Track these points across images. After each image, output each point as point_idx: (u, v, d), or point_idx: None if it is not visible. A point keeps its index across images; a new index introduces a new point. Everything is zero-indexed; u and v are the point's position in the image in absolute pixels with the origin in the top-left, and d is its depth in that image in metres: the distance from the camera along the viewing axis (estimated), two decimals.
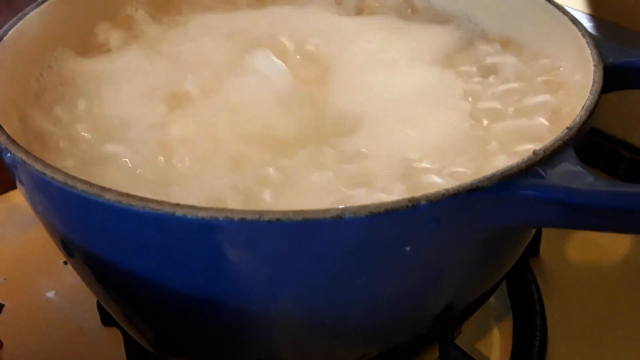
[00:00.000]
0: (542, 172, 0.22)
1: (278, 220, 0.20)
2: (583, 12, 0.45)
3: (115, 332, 0.37)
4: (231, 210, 0.20)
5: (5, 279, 0.42)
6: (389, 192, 0.25)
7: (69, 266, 0.36)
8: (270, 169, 0.26)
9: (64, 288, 0.41)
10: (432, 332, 0.29)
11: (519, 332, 0.37)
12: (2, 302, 0.40)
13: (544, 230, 0.42)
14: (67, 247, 0.26)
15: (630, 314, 0.39)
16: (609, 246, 0.43)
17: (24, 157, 0.22)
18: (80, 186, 0.20)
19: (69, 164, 0.27)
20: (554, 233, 0.43)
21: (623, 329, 0.38)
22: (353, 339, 0.27)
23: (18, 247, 0.44)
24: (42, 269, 0.42)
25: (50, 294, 0.41)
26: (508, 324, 0.38)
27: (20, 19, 0.31)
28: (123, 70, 0.33)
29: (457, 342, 0.31)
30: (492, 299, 0.39)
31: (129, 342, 0.36)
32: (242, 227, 0.20)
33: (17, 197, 0.48)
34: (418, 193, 0.20)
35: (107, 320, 0.37)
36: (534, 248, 0.42)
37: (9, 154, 0.23)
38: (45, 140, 0.28)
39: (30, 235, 0.44)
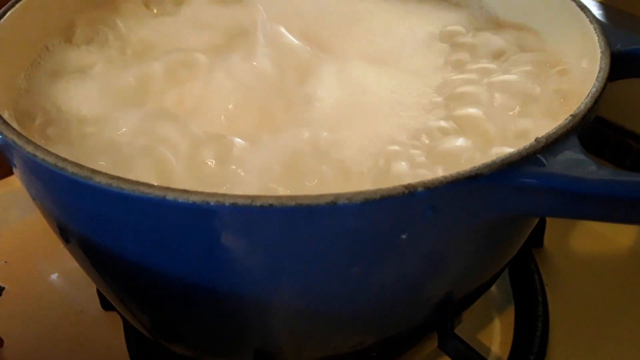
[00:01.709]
0: (543, 160, 0.21)
1: (271, 205, 0.19)
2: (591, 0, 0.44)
3: (115, 316, 0.37)
4: (223, 195, 0.19)
5: (6, 262, 0.42)
6: None
7: None
8: None
9: (65, 272, 0.41)
10: (430, 321, 0.29)
11: (520, 322, 0.37)
12: (3, 285, 0.40)
13: (548, 221, 0.42)
14: (62, 231, 0.26)
15: (634, 306, 0.38)
16: (613, 238, 0.43)
17: (16, 139, 0.22)
18: (70, 168, 0.20)
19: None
20: (558, 224, 0.43)
21: (626, 321, 0.37)
22: (350, 327, 0.27)
23: (19, 231, 0.44)
24: (43, 253, 0.42)
25: (52, 278, 0.41)
26: (509, 314, 0.38)
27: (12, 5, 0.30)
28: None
29: (457, 331, 0.31)
30: (493, 288, 0.38)
31: (128, 327, 0.36)
32: (234, 211, 0.19)
33: (18, 182, 0.48)
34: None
35: (107, 304, 0.38)
36: (537, 239, 0.42)
37: (1, 136, 0.22)
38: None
39: (31, 218, 0.44)
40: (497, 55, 0.33)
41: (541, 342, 0.35)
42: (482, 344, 0.36)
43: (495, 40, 0.34)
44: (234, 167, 0.25)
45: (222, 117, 0.29)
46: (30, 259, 0.42)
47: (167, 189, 0.19)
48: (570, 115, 0.23)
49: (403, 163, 0.25)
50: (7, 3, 0.30)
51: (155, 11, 0.38)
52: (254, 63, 0.31)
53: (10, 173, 0.48)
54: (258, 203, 0.19)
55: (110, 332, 0.37)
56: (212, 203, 0.19)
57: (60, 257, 0.41)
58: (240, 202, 0.19)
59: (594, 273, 0.41)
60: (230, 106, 0.29)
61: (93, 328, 0.38)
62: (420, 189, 0.20)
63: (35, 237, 0.43)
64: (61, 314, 0.38)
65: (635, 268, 0.40)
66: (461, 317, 0.33)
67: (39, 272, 0.41)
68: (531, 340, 0.35)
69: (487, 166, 0.20)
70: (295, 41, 0.32)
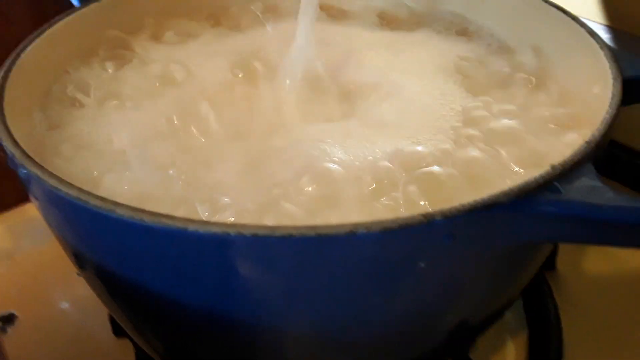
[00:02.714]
0: (560, 188, 0.21)
1: (290, 235, 0.19)
2: (600, 24, 0.44)
3: (126, 343, 0.36)
4: (243, 226, 0.19)
5: (19, 289, 0.42)
6: None
7: (82, 278, 0.36)
8: None
9: (77, 299, 0.41)
10: (446, 346, 0.29)
11: (534, 346, 0.37)
12: (16, 313, 0.40)
13: (561, 244, 0.41)
14: (80, 260, 0.26)
15: None
16: (626, 259, 0.42)
17: (39, 173, 0.22)
18: (93, 201, 0.20)
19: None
20: (571, 246, 0.43)
21: None
22: (365, 354, 0.27)
23: (32, 259, 0.44)
24: (55, 280, 0.42)
25: (64, 305, 0.41)
26: (523, 337, 0.38)
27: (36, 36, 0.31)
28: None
29: (471, 355, 0.31)
30: (507, 312, 0.38)
31: (140, 354, 0.36)
32: (254, 242, 0.19)
33: (32, 209, 0.48)
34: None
35: (119, 331, 0.37)
36: (550, 261, 0.42)
37: (24, 170, 0.23)
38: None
39: (44, 247, 0.44)
40: (507, 85, 0.33)
41: None
42: None
43: (504, 68, 0.34)
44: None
45: None
46: (42, 287, 0.42)
47: (188, 220, 0.20)
48: (585, 142, 0.23)
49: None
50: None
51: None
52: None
53: (23, 201, 0.48)
54: (278, 233, 0.19)
55: (122, 359, 0.37)
56: (232, 234, 0.19)
57: (72, 284, 0.41)
58: (261, 232, 0.19)
59: (608, 295, 0.40)
60: None
61: (105, 355, 0.37)
62: (438, 218, 0.20)
63: (47, 265, 0.43)
64: (73, 341, 0.38)
65: None
66: (476, 342, 0.33)
67: (51, 299, 0.41)
68: None
69: (505, 194, 0.20)
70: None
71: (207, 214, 0.24)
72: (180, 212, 0.23)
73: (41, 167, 0.22)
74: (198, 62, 0.36)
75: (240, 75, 0.35)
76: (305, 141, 0.29)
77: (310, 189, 0.25)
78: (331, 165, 0.26)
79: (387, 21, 0.41)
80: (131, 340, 0.35)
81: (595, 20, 0.44)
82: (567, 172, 0.22)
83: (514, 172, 0.27)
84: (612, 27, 0.44)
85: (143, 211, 0.20)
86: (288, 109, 0.32)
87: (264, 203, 0.25)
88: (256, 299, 0.22)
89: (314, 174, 0.26)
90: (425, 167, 0.26)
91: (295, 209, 0.24)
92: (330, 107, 0.32)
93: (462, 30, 0.39)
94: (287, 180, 0.26)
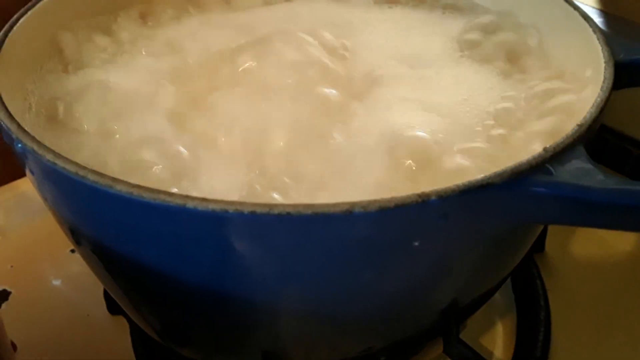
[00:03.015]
0: (552, 169, 0.22)
1: (288, 213, 0.20)
2: (594, 7, 0.44)
3: (121, 321, 0.37)
4: (242, 203, 0.20)
5: (12, 266, 0.42)
6: None
7: (76, 254, 0.36)
8: None
9: (70, 276, 0.41)
10: (437, 326, 0.29)
11: (522, 327, 0.37)
12: (9, 290, 0.40)
13: (550, 226, 0.42)
14: (76, 236, 0.26)
15: (635, 310, 0.39)
16: (614, 243, 0.43)
17: (35, 147, 0.22)
18: (91, 177, 0.20)
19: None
20: (560, 229, 0.43)
21: (627, 325, 0.38)
22: (358, 332, 0.27)
23: (25, 235, 0.44)
24: (49, 257, 0.42)
25: (57, 282, 0.41)
26: (512, 319, 0.38)
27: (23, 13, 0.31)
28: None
29: (461, 336, 0.32)
30: (496, 294, 0.39)
31: (135, 331, 0.36)
32: (252, 220, 0.20)
33: (25, 185, 0.48)
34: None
35: (113, 308, 0.38)
36: (539, 244, 0.42)
37: (20, 144, 0.23)
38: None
39: (37, 223, 0.44)
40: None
41: (543, 347, 0.36)
42: (485, 349, 0.36)
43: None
44: None
45: None
46: (36, 263, 0.42)
47: (187, 197, 0.20)
48: (577, 124, 0.23)
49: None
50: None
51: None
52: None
53: (15, 177, 0.48)
54: (276, 211, 0.20)
55: (116, 336, 0.37)
56: (230, 211, 0.20)
57: (65, 261, 0.42)
58: (259, 210, 0.20)
59: (596, 277, 0.41)
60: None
61: (99, 332, 0.38)
62: (433, 197, 0.20)
63: (40, 242, 0.43)
64: (67, 318, 0.38)
65: (635, 272, 0.41)
66: (465, 322, 0.33)
67: (45, 276, 0.41)
68: (533, 344, 0.36)
69: (498, 175, 0.21)
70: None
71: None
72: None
73: (38, 142, 0.22)
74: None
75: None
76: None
77: None
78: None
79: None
80: (126, 317, 0.35)
81: (589, 4, 0.44)
82: (558, 154, 0.22)
83: None
84: (605, 12, 0.44)
85: (141, 187, 0.20)
86: None
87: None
88: (253, 277, 0.23)
89: None
90: None
91: None
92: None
93: (454, 6, 0.39)
94: None
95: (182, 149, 0.27)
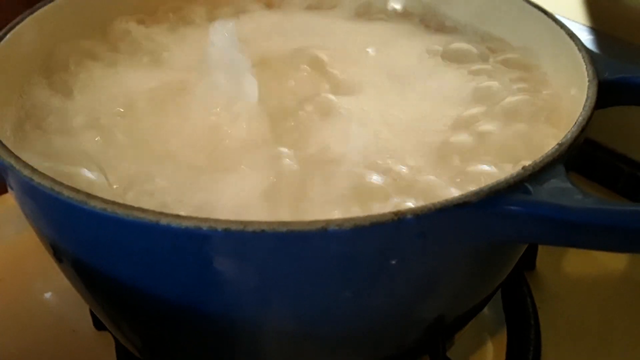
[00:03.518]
0: (530, 188, 0.21)
1: (262, 231, 0.19)
2: (581, 24, 0.44)
3: (107, 337, 0.36)
4: (215, 220, 0.20)
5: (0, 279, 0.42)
6: None
7: None
8: None
9: (58, 290, 0.41)
10: (422, 344, 0.29)
11: (512, 345, 0.37)
12: None
13: (540, 245, 0.42)
14: (56, 252, 0.26)
15: (626, 329, 0.38)
16: (605, 261, 0.43)
17: (13, 162, 0.22)
18: (66, 192, 0.20)
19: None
20: (550, 247, 0.43)
21: (618, 344, 0.37)
22: (341, 350, 0.27)
23: (14, 248, 0.44)
24: (37, 271, 0.42)
25: (45, 296, 0.41)
26: (502, 337, 0.38)
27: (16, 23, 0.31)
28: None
29: (449, 354, 0.31)
30: (485, 311, 0.38)
31: (120, 347, 0.36)
32: (227, 237, 0.20)
33: (13, 199, 0.48)
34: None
35: (99, 324, 0.37)
36: (530, 262, 0.42)
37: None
38: None
39: (26, 236, 0.44)
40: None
41: None
42: None
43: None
44: None
45: None
46: (23, 277, 0.42)
47: (161, 214, 0.20)
48: (557, 144, 0.23)
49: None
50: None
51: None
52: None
53: (3, 191, 0.48)
54: (250, 229, 0.19)
55: (102, 352, 0.37)
56: (204, 228, 0.19)
57: (53, 275, 0.40)
58: (233, 227, 0.19)
59: (587, 296, 0.41)
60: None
61: (85, 347, 0.37)
62: (409, 216, 0.20)
63: (29, 255, 0.43)
64: (54, 333, 0.38)
65: (627, 291, 0.40)
66: (453, 340, 0.33)
67: (33, 290, 0.41)
68: None
69: (475, 194, 0.21)
70: None
71: None
72: None
73: (16, 157, 0.22)
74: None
75: None
76: None
77: None
78: None
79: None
80: (112, 333, 0.35)
81: (577, 20, 0.44)
82: (537, 173, 0.22)
83: None
84: (593, 28, 0.44)
85: (115, 203, 0.20)
86: None
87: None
88: (229, 293, 0.23)
89: None
90: None
91: None
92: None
93: (440, 26, 0.39)
94: None
95: None
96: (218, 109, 0.30)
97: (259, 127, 0.29)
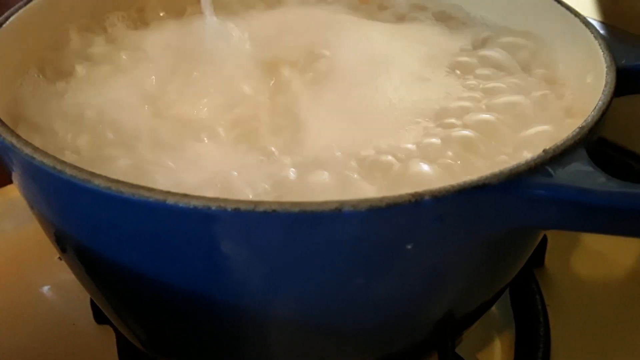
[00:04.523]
0: (551, 171, 0.21)
1: (274, 211, 0.19)
2: (593, 19, 0.44)
3: (107, 330, 0.36)
4: (225, 200, 0.19)
5: None
6: None
7: (64, 262, 0.35)
8: None
9: (58, 284, 0.41)
10: (431, 339, 0.28)
11: (521, 343, 0.37)
12: None
13: (550, 241, 0.41)
14: (59, 239, 0.25)
15: (636, 326, 0.38)
16: (614, 258, 0.42)
17: (14, 141, 0.21)
18: (69, 171, 0.20)
19: None
20: (560, 244, 0.43)
21: (627, 342, 0.37)
22: (349, 342, 0.26)
23: (13, 242, 0.43)
24: (36, 264, 0.41)
25: (44, 289, 0.40)
26: (510, 334, 0.37)
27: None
28: None
29: (457, 351, 0.31)
30: (494, 308, 0.38)
31: (121, 341, 0.35)
32: (236, 217, 0.19)
33: (13, 192, 0.47)
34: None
35: (100, 317, 0.37)
36: (538, 258, 0.42)
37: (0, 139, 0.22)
38: None
39: (25, 230, 0.44)
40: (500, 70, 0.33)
41: None
42: None
43: (498, 57, 0.34)
44: None
45: None
46: (23, 271, 0.41)
47: (168, 192, 0.19)
48: (578, 127, 0.23)
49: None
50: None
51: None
52: None
53: (3, 184, 0.48)
54: (261, 209, 0.19)
55: (102, 346, 0.36)
56: (213, 208, 0.19)
57: (53, 269, 0.41)
58: (243, 207, 0.19)
59: (596, 293, 0.40)
60: None
61: (85, 341, 0.37)
62: (427, 197, 0.19)
63: (28, 249, 0.42)
64: (53, 327, 0.38)
65: (636, 288, 0.40)
66: (462, 337, 0.32)
67: (32, 283, 0.41)
68: None
69: (495, 176, 0.20)
70: None
71: None
72: None
73: (17, 136, 0.21)
74: None
75: None
76: None
77: None
78: None
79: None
80: (113, 327, 0.34)
81: (589, 15, 0.44)
82: (558, 156, 0.21)
83: None
84: (604, 23, 0.43)
85: (120, 182, 0.19)
86: None
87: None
88: (238, 278, 0.22)
89: None
90: None
91: None
92: None
93: (451, 18, 0.38)
94: None
95: None
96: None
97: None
